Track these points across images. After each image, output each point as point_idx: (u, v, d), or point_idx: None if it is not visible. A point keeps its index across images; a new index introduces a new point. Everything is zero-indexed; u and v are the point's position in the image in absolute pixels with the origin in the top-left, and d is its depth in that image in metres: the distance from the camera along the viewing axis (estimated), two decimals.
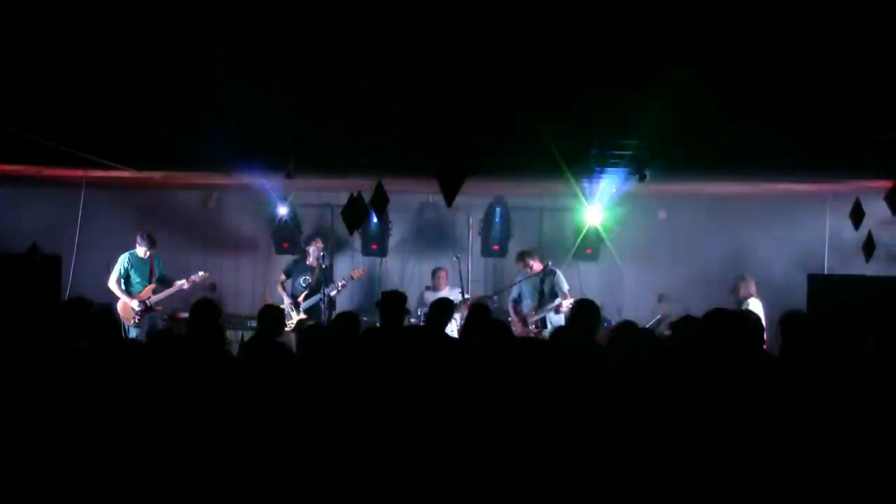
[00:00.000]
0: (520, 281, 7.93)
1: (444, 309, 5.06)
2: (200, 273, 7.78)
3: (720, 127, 4.99)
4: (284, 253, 8.92)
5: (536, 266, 7.77)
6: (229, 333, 8.53)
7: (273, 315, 4.75)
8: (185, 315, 7.98)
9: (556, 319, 7.57)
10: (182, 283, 7.63)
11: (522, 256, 7.90)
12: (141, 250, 7.58)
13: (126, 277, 7.54)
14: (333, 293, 8.01)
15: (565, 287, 7.65)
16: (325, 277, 8.10)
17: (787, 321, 3.86)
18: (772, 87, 4.00)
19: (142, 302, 7.48)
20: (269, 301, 8.39)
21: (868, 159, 5.13)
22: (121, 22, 3.24)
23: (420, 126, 5.15)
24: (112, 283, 7.50)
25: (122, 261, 7.59)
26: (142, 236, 7.60)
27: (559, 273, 7.76)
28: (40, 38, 3.48)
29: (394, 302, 5.00)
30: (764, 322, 4.91)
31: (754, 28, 3.14)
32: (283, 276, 8.18)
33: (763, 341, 3.95)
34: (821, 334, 3.76)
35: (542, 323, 7.57)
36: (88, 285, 8.01)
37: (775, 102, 4.32)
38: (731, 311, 3.71)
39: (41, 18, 3.21)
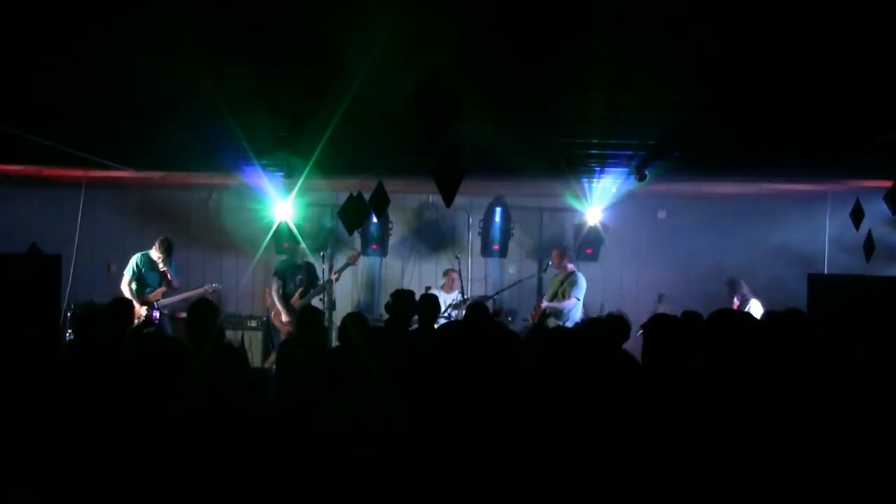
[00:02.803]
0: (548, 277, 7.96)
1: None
2: (214, 284, 7.87)
3: (720, 127, 4.99)
4: (285, 253, 8.91)
5: (567, 265, 7.77)
6: (229, 333, 8.56)
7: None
8: (185, 315, 8.03)
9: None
10: (197, 292, 7.60)
11: (562, 253, 7.90)
12: (156, 254, 7.56)
13: (138, 278, 7.52)
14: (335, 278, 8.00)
15: (577, 293, 7.62)
16: (314, 274, 8.06)
17: (787, 319, 3.86)
18: (772, 86, 4.00)
19: (150, 305, 7.47)
20: (269, 301, 8.40)
21: (868, 159, 5.13)
22: (122, 22, 3.24)
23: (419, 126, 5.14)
24: (124, 285, 7.44)
25: (134, 262, 7.54)
26: (160, 242, 7.56)
27: (580, 278, 7.71)
28: (41, 38, 3.48)
29: (405, 301, 5.00)
30: None
31: (754, 27, 3.14)
32: (279, 282, 7.90)
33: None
34: (820, 333, 3.75)
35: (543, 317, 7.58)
36: (88, 285, 8.03)
37: (775, 102, 4.32)
38: (733, 311, 3.71)
39: (43, 18, 3.21)
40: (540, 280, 8.76)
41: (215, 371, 3.36)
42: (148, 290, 7.52)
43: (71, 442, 3.09)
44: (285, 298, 7.79)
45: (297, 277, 7.95)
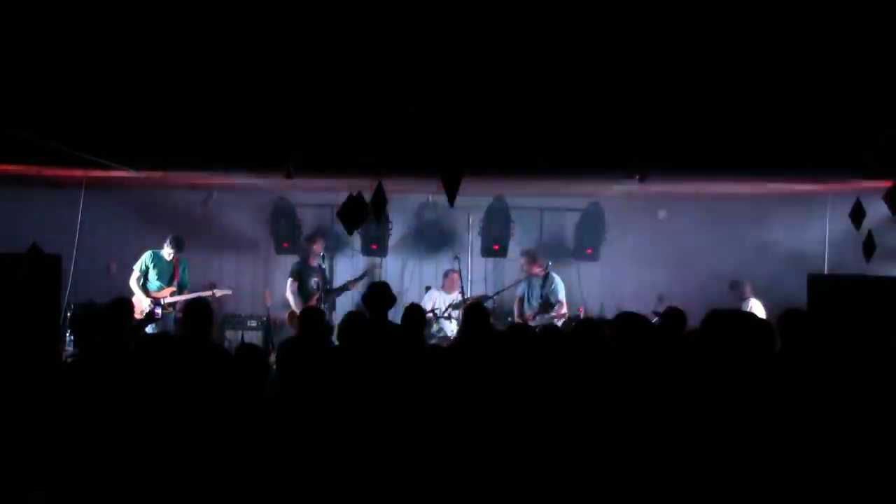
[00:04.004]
0: (522, 280, 7.98)
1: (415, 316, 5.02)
2: (225, 290, 7.91)
3: (720, 127, 4.99)
4: (284, 253, 8.92)
5: (536, 269, 7.81)
6: (229, 333, 8.58)
7: (316, 318, 4.72)
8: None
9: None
10: (206, 294, 7.61)
11: (524, 255, 7.97)
12: (166, 252, 7.59)
13: (145, 275, 7.55)
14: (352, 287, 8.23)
15: (561, 295, 7.69)
16: (325, 277, 8.16)
17: (787, 319, 3.86)
18: (772, 86, 4.00)
19: (155, 301, 7.48)
20: (269, 301, 8.41)
21: (868, 159, 5.12)
22: (121, 21, 3.24)
23: (420, 126, 5.15)
24: (131, 280, 7.53)
25: (144, 258, 7.60)
26: (170, 239, 7.60)
27: (557, 279, 7.80)
28: (41, 37, 3.47)
29: (382, 296, 4.96)
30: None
31: (753, 27, 3.14)
32: (296, 282, 7.97)
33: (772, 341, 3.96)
34: (821, 333, 3.75)
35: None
36: (88, 285, 8.02)
37: (775, 102, 4.32)
38: (737, 311, 3.70)
39: (42, 17, 3.21)
40: None
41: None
42: (154, 287, 7.54)
43: (73, 441, 3.09)
44: (305, 300, 7.83)
45: (313, 279, 8.04)
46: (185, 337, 4.38)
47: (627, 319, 3.73)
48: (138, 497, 2.85)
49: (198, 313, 4.33)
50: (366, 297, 5.14)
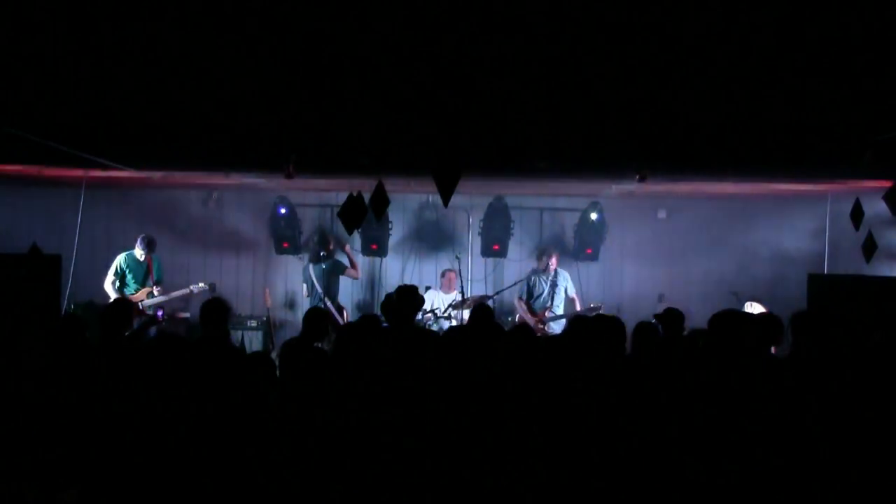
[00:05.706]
0: (530, 278, 8.01)
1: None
2: (201, 284, 7.90)
3: (720, 127, 4.99)
4: (285, 253, 8.93)
5: (554, 265, 7.92)
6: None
7: (318, 317, 4.73)
8: (184, 314, 8.09)
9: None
10: (183, 292, 7.76)
11: (544, 252, 8.05)
12: (139, 253, 7.59)
13: (121, 278, 7.55)
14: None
15: (573, 290, 7.93)
16: None
17: (797, 321, 3.85)
18: (771, 86, 4.00)
19: (133, 304, 7.48)
20: (269, 301, 8.41)
21: (868, 159, 5.12)
22: (121, 21, 3.24)
23: (419, 125, 5.15)
24: (106, 284, 7.50)
25: (118, 262, 7.59)
26: (142, 239, 7.62)
27: (566, 273, 8.03)
28: (41, 37, 3.47)
29: (408, 298, 4.92)
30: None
31: (753, 27, 3.14)
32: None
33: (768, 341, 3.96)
34: (830, 334, 3.74)
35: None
36: (88, 285, 8.03)
37: (775, 102, 4.32)
38: (735, 312, 3.70)
39: (42, 17, 3.21)
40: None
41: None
42: (131, 290, 7.53)
43: (75, 442, 3.09)
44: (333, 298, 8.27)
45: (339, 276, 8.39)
46: (201, 338, 4.37)
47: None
48: (141, 498, 2.86)
49: (214, 311, 4.32)
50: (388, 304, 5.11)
